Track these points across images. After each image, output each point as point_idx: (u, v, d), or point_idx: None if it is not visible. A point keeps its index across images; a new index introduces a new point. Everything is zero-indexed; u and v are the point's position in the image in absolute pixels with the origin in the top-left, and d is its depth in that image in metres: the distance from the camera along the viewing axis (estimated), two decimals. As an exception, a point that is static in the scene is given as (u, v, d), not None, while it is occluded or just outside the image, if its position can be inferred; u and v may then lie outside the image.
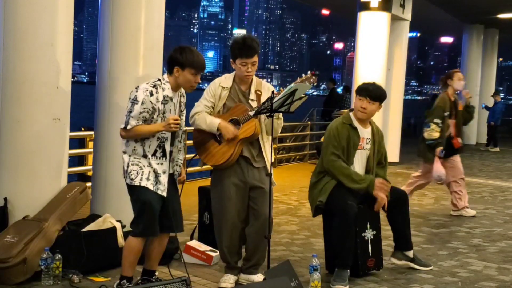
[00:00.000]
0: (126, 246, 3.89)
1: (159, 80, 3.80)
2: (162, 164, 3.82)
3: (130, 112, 3.71)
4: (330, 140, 4.55)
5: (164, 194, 3.81)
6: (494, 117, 17.04)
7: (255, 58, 4.10)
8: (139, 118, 3.70)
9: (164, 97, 3.76)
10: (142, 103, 3.69)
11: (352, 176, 4.49)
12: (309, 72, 4.12)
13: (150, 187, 3.77)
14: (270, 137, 4.18)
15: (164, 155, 3.82)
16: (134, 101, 3.72)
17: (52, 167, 4.63)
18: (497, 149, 17.06)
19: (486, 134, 17.85)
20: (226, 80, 4.24)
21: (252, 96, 4.18)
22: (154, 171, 3.79)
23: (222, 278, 4.27)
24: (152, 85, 3.75)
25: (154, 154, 3.80)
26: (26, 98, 4.51)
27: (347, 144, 4.54)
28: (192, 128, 4.30)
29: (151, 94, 3.71)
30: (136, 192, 3.79)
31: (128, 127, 3.71)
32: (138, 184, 3.75)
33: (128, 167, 3.78)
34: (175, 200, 3.96)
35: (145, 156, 3.78)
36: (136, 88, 3.77)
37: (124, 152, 3.82)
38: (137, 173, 3.76)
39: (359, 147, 4.60)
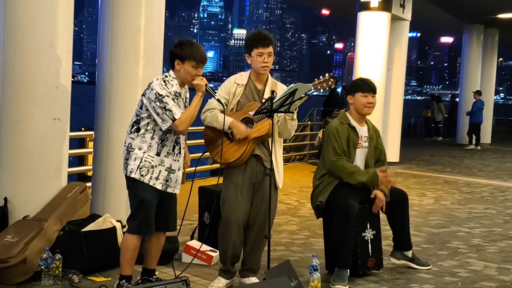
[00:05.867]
0: (122, 244, 3.90)
1: (166, 76, 3.81)
2: (178, 160, 3.87)
3: (165, 107, 3.67)
4: (331, 141, 4.54)
5: (177, 191, 3.90)
6: (474, 117, 17.00)
7: (271, 49, 4.07)
8: (175, 105, 3.71)
9: (174, 92, 3.78)
10: (167, 96, 3.70)
11: (355, 173, 4.48)
12: (327, 75, 4.08)
13: (159, 186, 3.79)
14: (281, 140, 4.15)
15: (180, 151, 3.87)
16: (159, 97, 3.67)
17: (52, 167, 4.62)
18: (478, 147, 17.02)
19: (466, 133, 17.74)
20: (241, 77, 4.21)
21: (267, 95, 4.11)
22: (168, 168, 3.81)
23: (213, 281, 4.20)
24: (163, 81, 3.76)
25: (173, 150, 3.84)
26: (26, 98, 4.50)
27: (347, 144, 4.54)
28: (201, 128, 4.27)
29: (166, 85, 3.73)
30: (135, 189, 3.79)
31: (177, 117, 3.67)
32: (147, 182, 3.76)
33: (140, 162, 3.76)
34: (172, 200, 3.96)
35: (158, 154, 3.79)
36: (149, 87, 3.74)
37: (139, 148, 3.77)
38: (147, 171, 3.77)
39: (358, 145, 4.61)
